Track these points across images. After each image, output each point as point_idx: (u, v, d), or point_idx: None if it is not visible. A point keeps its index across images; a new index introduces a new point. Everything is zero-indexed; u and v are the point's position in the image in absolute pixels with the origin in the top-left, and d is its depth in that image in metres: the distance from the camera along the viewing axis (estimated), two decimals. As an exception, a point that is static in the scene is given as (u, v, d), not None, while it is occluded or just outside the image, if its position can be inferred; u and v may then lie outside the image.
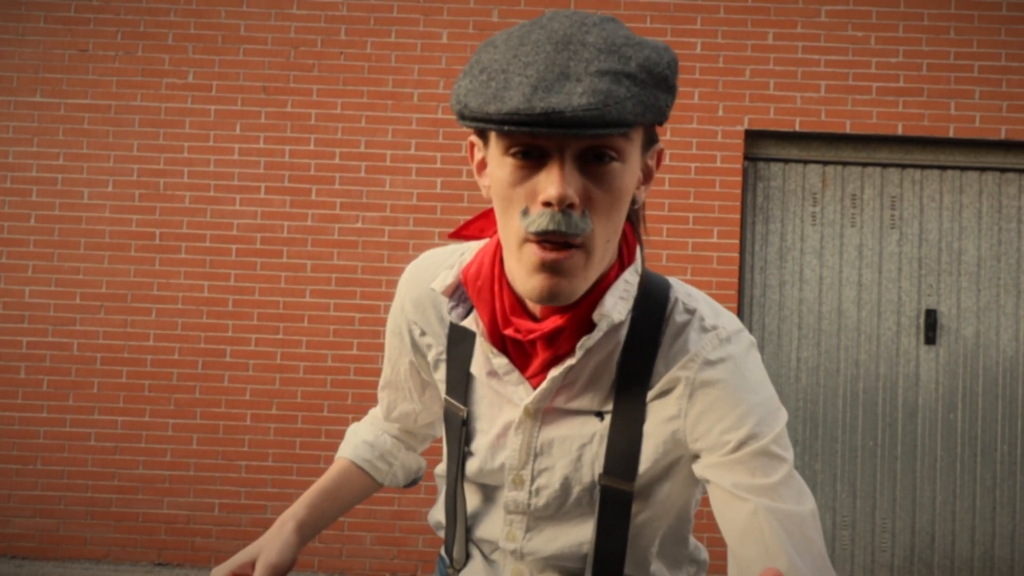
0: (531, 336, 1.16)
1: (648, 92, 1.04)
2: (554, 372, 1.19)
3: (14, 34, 5.08)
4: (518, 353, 1.22)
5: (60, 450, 4.96)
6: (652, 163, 1.19)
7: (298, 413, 4.96)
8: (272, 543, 1.33)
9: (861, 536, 5.05)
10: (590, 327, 1.17)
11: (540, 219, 1.05)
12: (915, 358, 5.06)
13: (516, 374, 1.22)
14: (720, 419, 1.14)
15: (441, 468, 1.43)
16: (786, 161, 5.13)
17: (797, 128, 5.02)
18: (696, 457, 1.20)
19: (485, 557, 1.37)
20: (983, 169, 5.10)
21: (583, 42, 1.03)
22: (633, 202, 1.16)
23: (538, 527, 1.28)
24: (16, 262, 5.02)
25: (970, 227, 5.09)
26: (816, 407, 5.08)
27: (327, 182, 5.03)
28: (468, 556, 1.38)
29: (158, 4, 5.08)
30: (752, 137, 5.07)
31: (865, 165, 5.12)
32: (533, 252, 1.07)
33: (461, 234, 1.29)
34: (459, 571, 1.39)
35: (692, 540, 1.39)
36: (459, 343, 1.29)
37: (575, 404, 1.22)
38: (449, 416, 1.34)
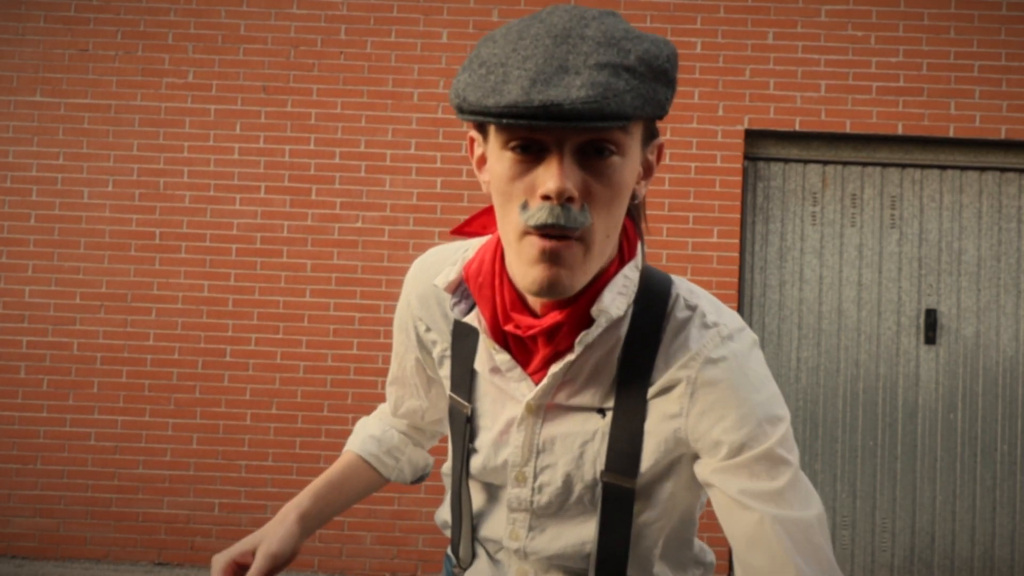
0: (531, 332, 1.16)
1: (647, 85, 1.04)
2: (554, 368, 1.19)
3: (14, 34, 5.08)
4: (520, 349, 1.21)
5: (60, 450, 4.96)
6: (652, 158, 1.19)
7: (298, 413, 4.96)
8: (274, 533, 1.33)
9: (861, 536, 5.05)
10: (589, 323, 1.17)
11: (539, 213, 1.05)
12: (915, 358, 5.06)
13: (518, 370, 1.22)
14: (721, 419, 1.14)
15: (447, 467, 1.43)
16: (786, 161, 5.13)
17: (797, 128, 5.02)
18: (697, 457, 1.19)
19: (490, 556, 1.37)
20: (983, 169, 5.10)
21: (582, 35, 1.03)
22: (633, 197, 1.16)
23: (541, 526, 1.28)
24: (16, 262, 5.02)
25: (970, 227, 5.09)
26: (816, 407, 5.08)
27: (327, 182, 5.03)
28: (474, 555, 1.38)
29: (158, 4, 5.08)
30: (752, 137, 5.07)
31: (865, 165, 5.12)
32: (533, 243, 1.07)
33: (463, 231, 1.29)
34: (465, 570, 1.39)
35: (697, 542, 1.38)
36: (463, 339, 1.29)
37: (577, 400, 1.22)
38: (453, 413, 1.34)
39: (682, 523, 1.32)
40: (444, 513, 1.44)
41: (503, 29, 1.08)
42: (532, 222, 1.05)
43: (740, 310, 5.04)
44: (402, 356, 1.44)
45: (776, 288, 5.11)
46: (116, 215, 5.03)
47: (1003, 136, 4.98)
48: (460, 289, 1.25)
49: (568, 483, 1.24)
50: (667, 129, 4.97)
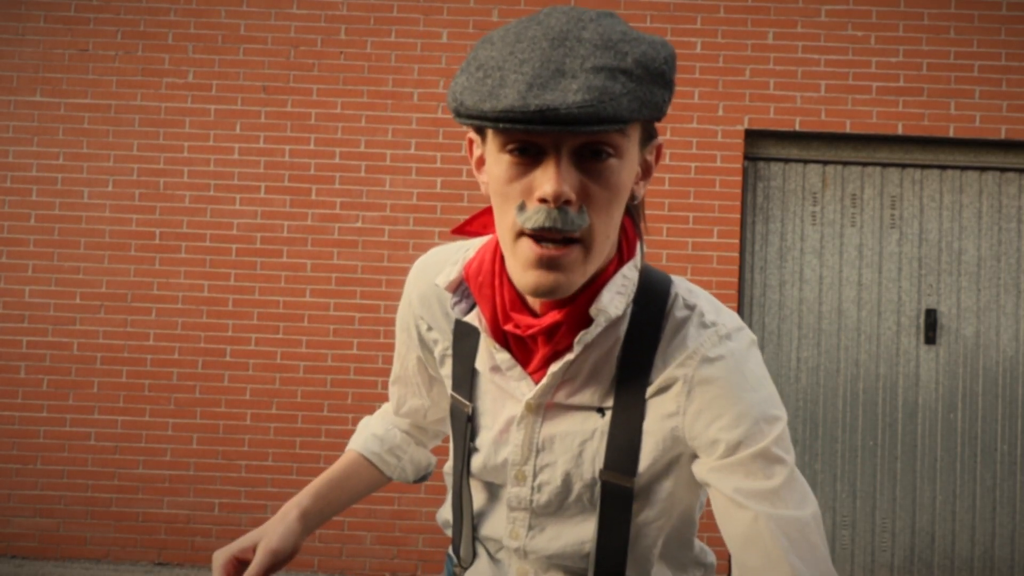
0: (530, 331, 1.16)
1: (644, 88, 1.04)
2: (554, 367, 1.19)
3: (14, 34, 5.08)
4: (520, 348, 1.22)
5: (60, 450, 4.96)
6: (651, 159, 1.19)
7: (298, 413, 4.96)
8: (274, 530, 1.33)
9: (861, 536, 5.05)
10: (588, 322, 1.17)
11: (536, 216, 1.05)
12: (915, 358, 5.06)
13: (518, 369, 1.23)
14: (718, 417, 1.14)
15: (449, 466, 1.43)
16: (786, 161, 5.13)
17: (797, 128, 5.02)
18: (695, 456, 1.19)
19: (491, 556, 1.37)
20: (983, 169, 5.10)
21: (579, 38, 1.03)
22: (632, 197, 1.16)
23: (540, 525, 1.29)
24: (16, 262, 5.02)
25: (970, 227, 5.09)
26: (816, 407, 5.08)
27: (327, 182, 5.03)
28: (475, 554, 1.38)
29: (158, 4, 5.08)
30: (752, 137, 5.07)
31: (865, 165, 5.12)
32: (529, 248, 1.07)
33: (464, 230, 1.29)
34: (466, 569, 1.39)
35: (697, 543, 1.38)
36: (464, 338, 1.30)
37: (576, 400, 1.22)
38: (455, 412, 1.34)
39: (682, 523, 1.32)
40: (446, 512, 1.45)
41: (501, 31, 1.08)
42: (529, 225, 1.06)
43: (740, 310, 5.04)
44: (404, 355, 1.44)
45: (776, 288, 5.11)
46: (116, 215, 5.03)
47: (1003, 136, 4.98)
48: (461, 288, 1.25)
49: (567, 482, 1.24)
50: (667, 129, 4.97)
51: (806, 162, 5.13)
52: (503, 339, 1.22)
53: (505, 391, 1.27)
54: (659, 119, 1.11)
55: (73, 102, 5.06)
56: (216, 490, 4.94)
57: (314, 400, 4.96)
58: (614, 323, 1.19)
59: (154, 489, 4.95)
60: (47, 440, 4.96)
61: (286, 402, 4.96)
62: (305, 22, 5.07)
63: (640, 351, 1.19)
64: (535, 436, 1.25)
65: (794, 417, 5.05)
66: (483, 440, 1.30)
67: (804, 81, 5.02)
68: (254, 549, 1.32)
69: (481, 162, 1.18)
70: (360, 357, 4.95)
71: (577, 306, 1.15)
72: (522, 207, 1.07)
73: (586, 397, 1.22)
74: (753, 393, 1.15)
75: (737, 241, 4.97)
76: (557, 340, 1.17)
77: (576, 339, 1.16)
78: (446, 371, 1.35)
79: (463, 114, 1.04)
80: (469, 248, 1.29)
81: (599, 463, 1.22)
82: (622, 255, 1.20)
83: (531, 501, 1.27)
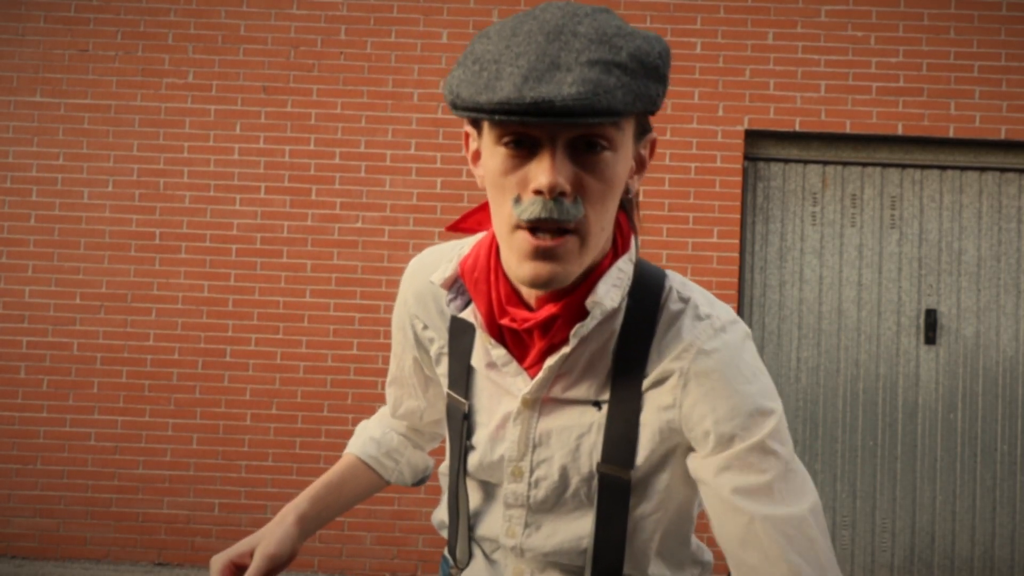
0: (526, 325, 1.17)
1: (639, 82, 1.05)
2: (550, 361, 1.19)
3: (14, 34, 5.08)
4: (516, 344, 1.22)
5: (60, 450, 4.96)
6: (645, 152, 1.20)
7: (298, 413, 4.96)
8: (272, 534, 1.33)
9: (861, 536, 5.05)
10: (584, 315, 1.17)
11: (532, 207, 1.06)
12: (915, 358, 5.06)
13: (514, 365, 1.23)
14: (713, 409, 1.15)
15: (445, 466, 1.43)
16: (786, 161, 5.13)
17: (797, 128, 5.02)
18: (691, 450, 1.20)
19: (487, 557, 1.37)
20: (983, 169, 5.10)
21: (574, 32, 1.04)
22: (627, 191, 1.17)
23: (537, 522, 1.28)
24: (16, 262, 5.02)
25: (970, 227, 5.09)
26: (816, 407, 5.08)
27: (327, 182, 5.03)
28: (471, 555, 1.38)
29: (158, 4, 5.08)
30: (752, 137, 5.07)
31: (865, 165, 5.12)
32: (525, 239, 1.08)
33: (459, 227, 1.30)
34: (462, 571, 1.38)
35: (694, 540, 1.38)
36: (460, 336, 1.30)
37: (572, 394, 1.23)
38: (451, 410, 1.34)
39: (679, 518, 1.32)
40: (441, 513, 1.44)
41: (497, 25, 1.10)
42: (524, 216, 1.07)
43: (740, 310, 5.04)
44: (400, 356, 1.45)
45: (776, 288, 5.11)
46: (116, 215, 5.03)
47: (1003, 136, 4.98)
48: (456, 285, 1.26)
49: (564, 477, 1.24)
50: (667, 130, 4.97)
51: (806, 162, 5.13)
52: (499, 335, 1.22)
53: (501, 387, 1.27)
54: (653, 113, 1.12)
55: (73, 102, 5.06)
56: (216, 490, 4.94)
57: (314, 400, 4.96)
58: (609, 316, 1.20)
59: (154, 489, 4.95)
60: (47, 440, 4.96)
61: (286, 402, 4.96)
62: (305, 22, 5.07)
63: (635, 344, 1.20)
64: (531, 432, 1.25)
65: (794, 417, 5.05)
66: (479, 438, 1.30)
67: (804, 81, 5.02)
68: (251, 554, 1.32)
69: (477, 156, 1.19)
70: (360, 357, 4.95)
71: (573, 299, 1.16)
72: (518, 199, 1.08)
73: (582, 391, 1.22)
74: (748, 385, 1.16)
75: (737, 241, 4.97)
76: (553, 334, 1.18)
77: (572, 332, 1.17)
78: (442, 370, 1.35)
79: (459, 106, 1.05)
80: (464, 246, 1.30)
81: (596, 456, 1.22)
82: (617, 249, 1.21)
83: (528, 497, 1.27)
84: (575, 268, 1.11)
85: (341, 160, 5.03)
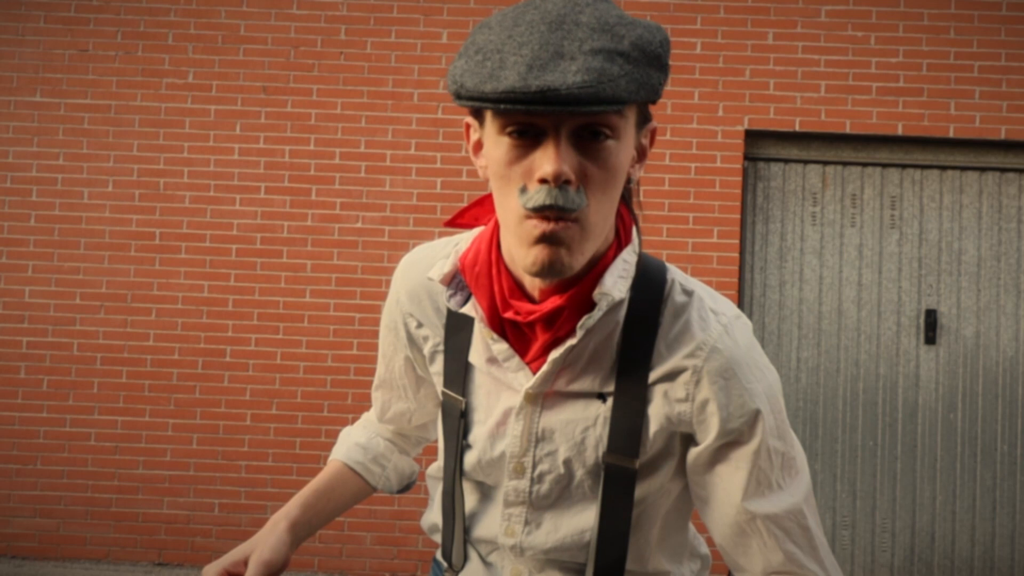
0: (531, 318, 1.17)
1: (641, 70, 1.06)
2: (555, 354, 1.19)
3: (14, 34, 5.08)
4: (517, 338, 1.22)
5: (60, 450, 4.96)
6: (646, 142, 1.21)
7: (298, 413, 4.96)
8: (265, 541, 1.31)
9: (861, 536, 5.05)
10: (590, 306, 1.18)
11: (537, 195, 1.07)
12: (915, 358, 5.06)
13: (516, 359, 1.22)
14: (724, 405, 1.17)
15: (433, 468, 1.42)
16: (786, 161, 5.13)
17: (797, 128, 5.02)
18: (693, 443, 1.22)
19: (483, 559, 1.36)
20: (983, 169, 5.10)
21: (576, 22, 1.05)
22: (628, 180, 1.17)
23: (538, 519, 1.28)
24: (16, 262, 5.02)
25: (970, 227, 5.09)
26: (816, 407, 5.08)
27: (327, 182, 5.03)
28: (466, 558, 1.36)
29: (158, 4, 5.08)
30: (752, 137, 5.07)
31: (865, 165, 5.12)
32: (533, 225, 1.08)
33: (456, 222, 1.30)
34: (457, 573, 1.37)
35: (692, 528, 1.39)
36: (457, 333, 1.29)
37: (576, 386, 1.22)
38: (447, 409, 1.33)
39: (680, 504, 1.32)
40: (433, 516, 1.43)
41: (498, 16, 1.10)
42: (531, 204, 1.07)
43: (740, 310, 5.04)
44: (390, 357, 1.43)
45: (776, 288, 5.11)
46: (116, 215, 5.03)
47: (1003, 136, 4.98)
48: (455, 281, 1.25)
49: (569, 469, 1.24)
50: (667, 129, 4.97)
51: (806, 162, 5.13)
52: (500, 329, 1.22)
53: (501, 383, 1.26)
54: (655, 101, 1.13)
55: (73, 102, 5.06)
56: (216, 490, 4.94)
57: (314, 400, 4.96)
58: (614, 308, 1.20)
59: (154, 489, 4.94)
60: (47, 440, 4.96)
61: (286, 402, 4.96)
62: (305, 23, 5.07)
63: (640, 335, 1.20)
64: (534, 426, 1.25)
65: (794, 417, 5.05)
66: (477, 436, 1.29)
67: (804, 81, 5.02)
68: (245, 562, 1.30)
69: (479, 146, 1.19)
70: (360, 357, 4.95)
71: (579, 290, 1.16)
72: (523, 189, 1.08)
73: (586, 383, 1.22)
74: (756, 383, 1.19)
75: (737, 241, 4.97)
76: (558, 326, 1.18)
77: (579, 323, 1.17)
78: (436, 368, 1.34)
79: (464, 96, 1.06)
80: (459, 242, 1.29)
81: (602, 448, 1.22)
82: (620, 240, 1.21)
83: (530, 493, 1.27)
84: (578, 255, 1.11)
85: (341, 160, 5.03)
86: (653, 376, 1.20)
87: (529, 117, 1.05)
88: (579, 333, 1.17)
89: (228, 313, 4.99)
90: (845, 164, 5.11)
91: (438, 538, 1.42)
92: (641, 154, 1.20)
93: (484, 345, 1.26)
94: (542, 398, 1.24)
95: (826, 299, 5.10)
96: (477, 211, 1.29)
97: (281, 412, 4.96)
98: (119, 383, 4.98)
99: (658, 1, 5.03)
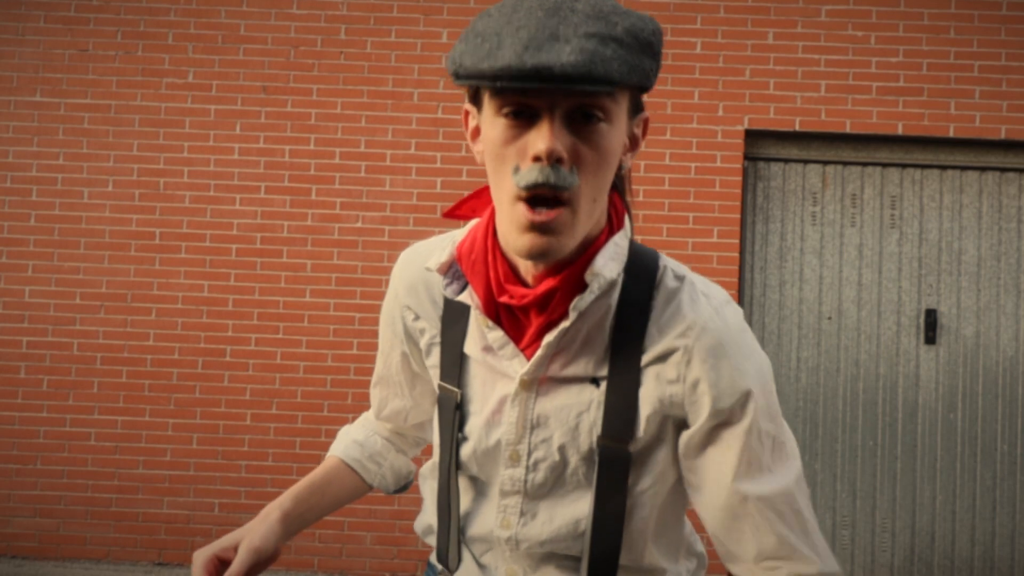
0: (525, 301, 1.19)
1: (633, 55, 1.09)
2: (549, 337, 1.21)
3: (14, 34, 5.09)
4: (512, 326, 1.24)
5: (60, 450, 4.96)
6: (638, 131, 1.24)
7: (298, 413, 4.96)
8: (256, 529, 1.34)
9: (861, 536, 5.05)
10: (582, 288, 1.20)
11: (530, 173, 1.10)
12: (915, 358, 5.06)
13: (511, 347, 1.24)
14: (714, 385, 1.19)
15: (427, 468, 1.42)
16: (786, 161, 5.14)
17: (797, 128, 5.02)
18: (684, 425, 1.23)
19: (476, 561, 1.36)
20: (983, 169, 5.10)
21: (572, 9, 1.09)
22: (620, 167, 1.20)
23: (533, 510, 1.28)
24: (16, 262, 5.02)
25: (970, 227, 5.09)
26: (816, 407, 5.08)
27: (327, 182, 5.03)
28: (460, 559, 1.36)
29: (158, 4, 5.09)
30: (752, 137, 5.07)
31: (865, 165, 5.12)
32: (523, 212, 1.11)
33: (455, 213, 1.32)
34: (453, 574, 1.37)
35: (688, 525, 1.39)
36: (453, 324, 1.31)
37: (570, 371, 1.24)
38: (443, 402, 1.34)
39: (674, 494, 1.32)
40: (427, 518, 1.43)
41: (498, 4, 1.13)
42: (523, 183, 1.10)
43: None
44: (388, 353, 1.45)
45: (776, 288, 5.11)
46: (116, 215, 5.03)
47: (1003, 136, 4.98)
48: (452, 270, 1.27)
49: (564, 456, 1.25)
50: (667, 129, 4.98)
51: (806, 162, 5.13)
52: (495, 317, 1.24)
53: (496, 371, 1.27)
54: (646, 89, 1.16)
55: (73, 102, 5.07)
56: (216, 490, 4.94)
57: (314, 400, 4.96)
58: (606, 291, 1.22)
59: (154, 489, 4.94)
60: (47, 440, 4.96)
61: (286, 402, 4.96)
62: (305, 22, 5.07)
63: (633, 319, 1.22)
64: (529, 413, 1.26)
65: (794, 417, 5.05)
66: (472, 426, 1.30)
67: (804, 81, 5.02)
68: (235, 549, 1.31)
69: (477, 132, 1.22)
70: (360, 357, 4.95)
71: (571, 272, 1.18)
72: (517, 169, 1.11)
73: (580, 368, 1.23)
74: (747, 362, 1.20)
75: (737, 241, 4.97)
76: (551, 309, 1.20)
77: (572, 305, 1.19)
78: (432, 361, 1.35)
79: (462, 75, 1.10)
80: (457, 235, 1.32)
81: (596, 432, 1.23)
82: (612, 226, 1.24)
83: (525, 482, 1.27)
84: (569, 240, 1.13)
85: (341, 160, 5.04)
86: (645, 359, 1.22)
87: (524, 97, 1.09)
88: (572, 315, 1.19)
89: (228, 313, 4.99)
90: (845, 164, 5.12)
91: (432, 540, 1.42)
92: (633, 143, 1.23)
93: (480, 334, 1.27)
94: (537, 384, 1.25)
95: (826, 299, 5.10)
96: (475, 203, 1.31)
97: (281, 412, 4.96)
98: (119, 383, 4.98)
99: (658, 1, 5.03)
